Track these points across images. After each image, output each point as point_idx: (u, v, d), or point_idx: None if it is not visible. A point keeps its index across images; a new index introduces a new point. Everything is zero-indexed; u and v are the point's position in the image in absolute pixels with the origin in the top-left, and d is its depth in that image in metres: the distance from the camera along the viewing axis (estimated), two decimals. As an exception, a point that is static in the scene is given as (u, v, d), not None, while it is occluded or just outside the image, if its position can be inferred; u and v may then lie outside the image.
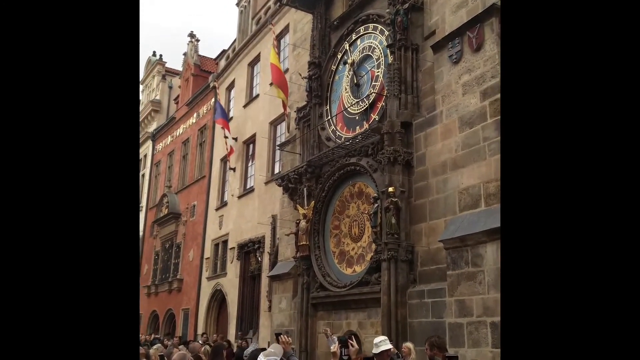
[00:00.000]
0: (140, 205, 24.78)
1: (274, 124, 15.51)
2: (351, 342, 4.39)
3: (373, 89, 9.93)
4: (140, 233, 23.48)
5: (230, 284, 16.19)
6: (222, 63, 20.02)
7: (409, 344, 6.76)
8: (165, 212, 21.46)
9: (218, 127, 18.20)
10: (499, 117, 7.02)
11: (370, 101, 9.89)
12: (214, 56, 22.59)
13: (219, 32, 52.53)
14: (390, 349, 4.75)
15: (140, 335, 15.03)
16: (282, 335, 4.38)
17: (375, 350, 4.59)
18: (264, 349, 5.35)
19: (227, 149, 17.14)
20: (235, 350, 11.72)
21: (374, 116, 9.70)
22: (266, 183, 14.93)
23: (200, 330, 17.25)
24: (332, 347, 4.31)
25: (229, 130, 17.00)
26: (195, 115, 21.62)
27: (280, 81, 13.22)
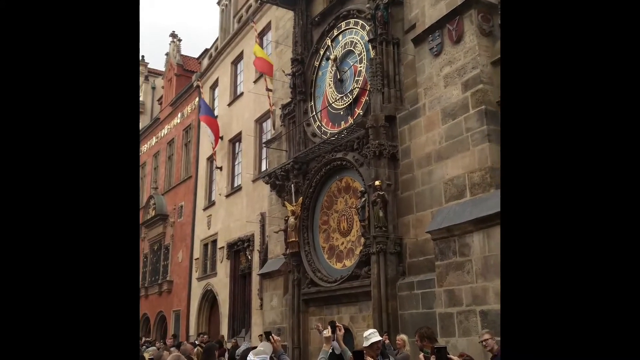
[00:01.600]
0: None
1: (259, 121, 15.50)
2: (339, 325, 4.58)
3: (356, 84, 9.97)
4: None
5: (221, 284, 16.17)
6: (205, 62, 19.91)
7: (403, 336, 6.83)
8: (153, 214, 21.32)
9: (203, 126, 18.12)
10: (481, 107, 7.10)
11: (353, 96, 9.93)
12: (196, 55, 22.45)
13: (201, 31, 52.20)
14: (380, 340, 4.80)
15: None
16: (272, 335, 4.42)
17: (366, 343, 4.62)
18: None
19: (212, 147, 17.11)
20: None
21: (358, 111, 9.74)
22: (253, 181, 14.91)
23: (192, 332, 17.20)
24: (324, 332, 4.42)
25: (215, 127, 16.90)
26: (179, 115, 21.48)
27: (268, 70, 13.28)
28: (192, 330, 17.31)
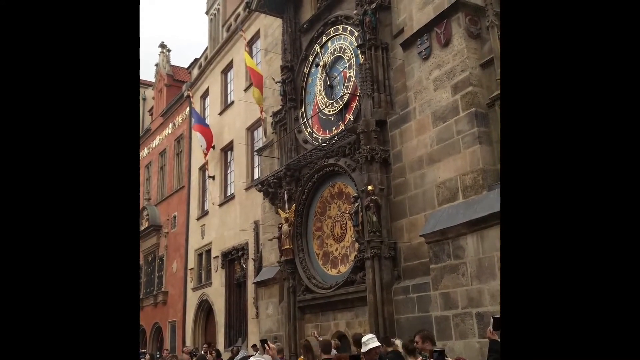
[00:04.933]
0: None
1: (251, 129, 15.48)
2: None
3: (346, 90, 9.99)
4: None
5: (216, 293, 16.08)
6: (195, 72, 19.90)
7: (396, 342, 6.78)
8: (146, 225, 21.18)
9: (195, 136, 18.07)
10: (471, 109, 7.12)
11: (344, 102, 9.95)
12: (186, 65, 22.42)
13: (190, 41, 52.17)
14: (378, 346, 4.78)
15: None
16: (267, 343, 4.39)
17: (364, 349, 4.61)
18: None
19: (204, 155, 17.06)
20: None
21: (349, 116, 9.75)
22: (246, 189, 14.86)
23: (188, 342, 17.07)
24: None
25: (210, 136, 16.84)
26: (170, 125, 21.44)
27: (258, 83, 13.26)
28: (188, 341, 17.18)
